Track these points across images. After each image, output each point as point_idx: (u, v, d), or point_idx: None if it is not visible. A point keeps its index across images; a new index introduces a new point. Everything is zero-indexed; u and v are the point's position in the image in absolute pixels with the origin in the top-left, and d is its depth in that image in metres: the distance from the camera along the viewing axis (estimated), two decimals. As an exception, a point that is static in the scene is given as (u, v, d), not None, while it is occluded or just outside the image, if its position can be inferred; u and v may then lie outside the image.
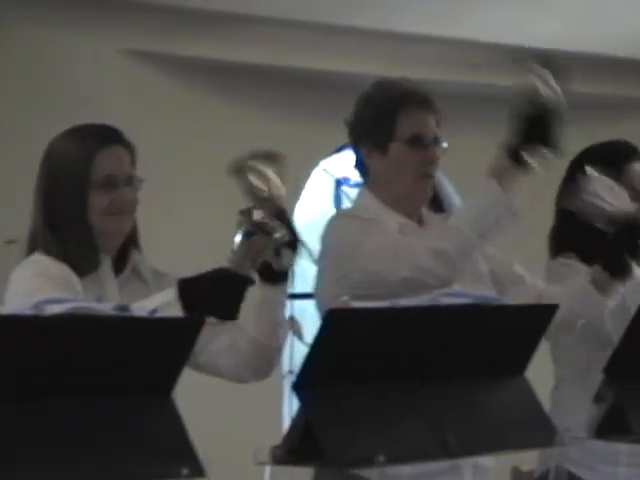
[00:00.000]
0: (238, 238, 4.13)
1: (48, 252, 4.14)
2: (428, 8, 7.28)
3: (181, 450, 3.37)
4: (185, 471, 3.33)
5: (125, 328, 3.36)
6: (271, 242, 4.10)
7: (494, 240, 4.58)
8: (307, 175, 8.30)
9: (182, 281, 4.05)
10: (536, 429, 3.87)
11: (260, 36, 7.45)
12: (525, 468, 5.07)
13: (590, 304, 4.73)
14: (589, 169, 4.79)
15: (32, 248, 4.20)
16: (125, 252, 4.30)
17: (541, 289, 4.75)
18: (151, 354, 3.39)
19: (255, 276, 4.15)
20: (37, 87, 7.10)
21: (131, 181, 4.25)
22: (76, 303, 3.50)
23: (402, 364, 3.63)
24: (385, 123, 4.68)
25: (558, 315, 3.87)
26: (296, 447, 3.50)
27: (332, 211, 7.43)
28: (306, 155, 8.06)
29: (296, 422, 3.53)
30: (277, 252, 4.12)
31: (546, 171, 4.48)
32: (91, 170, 4.13)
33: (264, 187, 4.15)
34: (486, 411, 3.81)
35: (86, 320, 3.34)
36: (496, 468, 4.74)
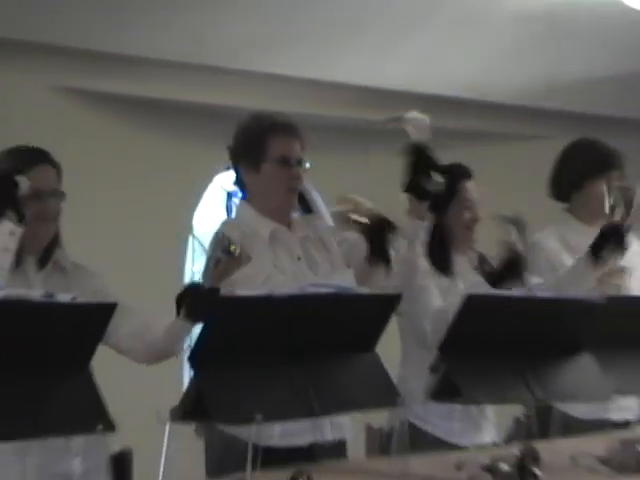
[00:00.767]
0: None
1: None
2: (301, 53, 7.27)
3: (96, 411, 3.38)
4: (100, 427, 3.36)
5: (48, 311, 3.37)
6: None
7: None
8: (204, 189, 8.27)
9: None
10: (383, 393, 3.93)
11: (167, 76, 7.42)
12: (376, 425, 5.09)
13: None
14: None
15: None
16: (49, 251, 4.27)
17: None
18: (71, 333, 3.40)
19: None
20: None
21: (55, 194, 4.23)
22: (10, 290, 3.52)
23: (277, 342, 3.66)
24: (258, 147, 4.70)
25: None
26: (190, 408, 3.53)
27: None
28: (203, 173, 8.06)
29: (190, 388, 3.55)
30: None
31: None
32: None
33: None
34: (343, 380, 3.84)
35: (16, 304, 3.35)
36: (352, 425, 4.76)
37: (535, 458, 4.15)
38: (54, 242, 4.29)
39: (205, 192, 8.33)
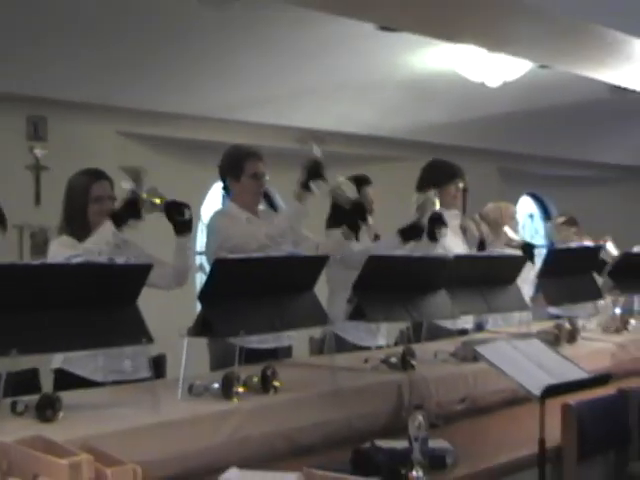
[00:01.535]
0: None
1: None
2: (261, 110, 7.27)
3: (141, 330, 3.36)
4: (143, 340, 3.36)
5: (111, 268, 3.38)
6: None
7: (300, 226, 4.61)
8: (207, 191, 8.19)
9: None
10: (318, 316, 3.91)
11: (180, 123, 7.32)
12: (315, 336, 5.08)
13: (342, 247, 4.80)
14: (342, 180, 4.82)
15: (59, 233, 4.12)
16: None
17: (317, 243, 4.77)
18: (125, 282, 3.40)
19: None
20: None
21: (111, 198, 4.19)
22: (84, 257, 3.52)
23: (255, 286, 3.59)
24: (238, 167, 4.70)
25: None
26: (200, 328, 3.52)
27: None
28: (206, 182, 7.98)
29: (199, 315, 3.54)
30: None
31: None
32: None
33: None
34: (293, 308, 3.80)
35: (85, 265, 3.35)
36: (298, 337, 4.79)
37: (412, 354, 4.18)
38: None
39: (208, 193, 8.25)
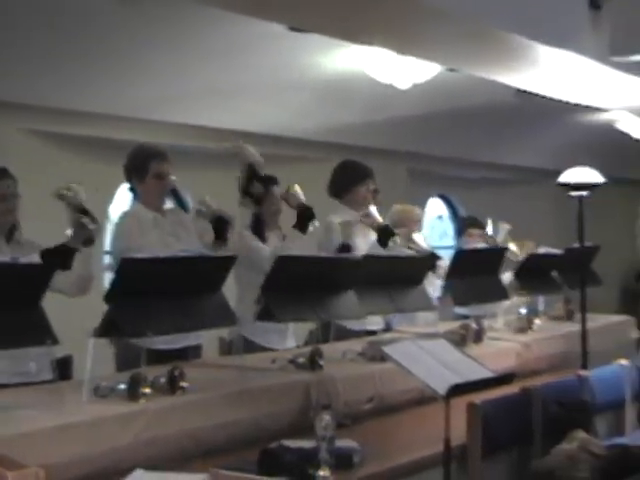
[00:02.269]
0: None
1: None
2: (172, 108, 7.23)
3: (45, 331, 3.34)
4: (49, 341, 3.33)
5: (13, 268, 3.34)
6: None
7: None
8: (115, 190, 8.06)
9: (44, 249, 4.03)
10: (226, 317, 3.92)
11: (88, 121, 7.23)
12: (224, 336, 5.06)
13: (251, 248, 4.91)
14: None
15: None
16: (12, 232, 4.18)
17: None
18: (29, 283, 3.37)
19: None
20: None
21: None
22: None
23: (161, 286, 3.60)
24: (142, 167, 4.69)
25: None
26: (106, 328, 3.51)
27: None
28: (116, 181, 7.86)
29: (106, 315, 3.52)
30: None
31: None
32: None
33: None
34: (201, 309, 3.81)
35: None
36: (208, 336, 4.77)
37: (320, 354, 4.22)
38: (15, 227, 4.21)
39: (116, 192, 8.14)
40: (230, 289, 4.20)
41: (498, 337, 5.59)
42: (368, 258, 4.83)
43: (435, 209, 11.86)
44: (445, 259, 5.83)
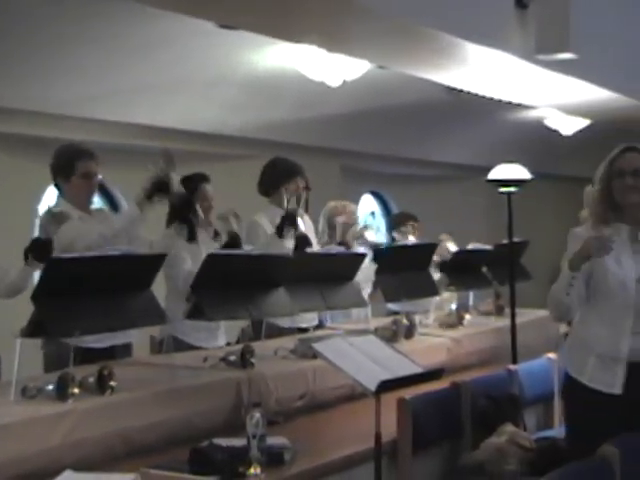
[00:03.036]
0: None
1: None
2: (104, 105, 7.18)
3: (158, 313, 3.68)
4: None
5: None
6: None
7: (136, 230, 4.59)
8: (44, 188, 7.94)
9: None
10: (156, 315, 3.92)
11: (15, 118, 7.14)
12: (154, 335, 5.04)
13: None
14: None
15: None
16: None
17: (151, 241, 4.74)
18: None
19: None
20: None
21: None
22: None
23: (89, 284, 3.57)
24: (69, 166, 4.62)
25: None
26: (33, 328, 3.47)
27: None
28: (41, 179, 7.77)
29: (33, 315, 3.49)
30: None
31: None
32: None
33: None
34: (131, 307, 3.81)
35: None
36: (139, 335, 4.65)
37: (251, 352, 4.23)
38: None
39: (45, 190, 8.05)
40: (160, 288, 4.19)
41: (429, 333, 5.65)
42: (299, 255, 4.85)
43: (368, 206, 11.94)
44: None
